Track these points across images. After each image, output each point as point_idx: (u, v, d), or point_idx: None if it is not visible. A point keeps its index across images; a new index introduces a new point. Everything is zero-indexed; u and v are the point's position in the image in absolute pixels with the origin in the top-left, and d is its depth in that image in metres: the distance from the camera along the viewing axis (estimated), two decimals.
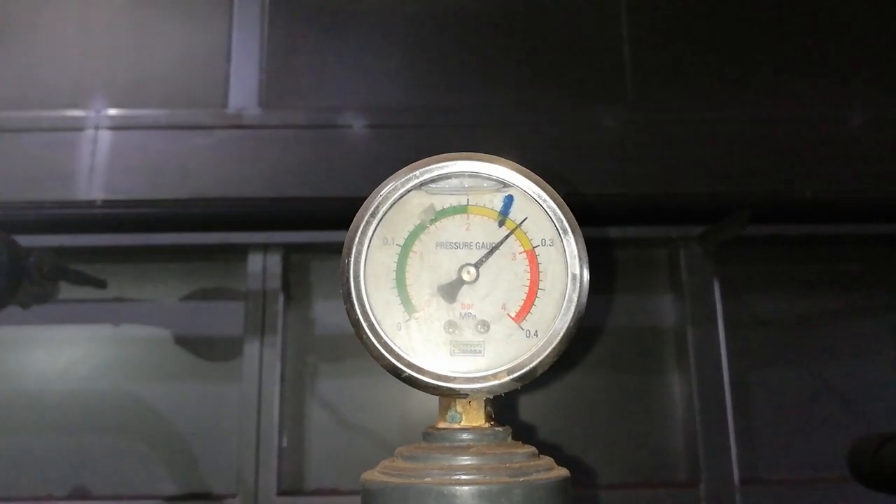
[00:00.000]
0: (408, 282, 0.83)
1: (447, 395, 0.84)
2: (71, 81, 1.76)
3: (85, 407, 1.68)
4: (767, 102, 1.78)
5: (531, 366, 0.81)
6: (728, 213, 1.63)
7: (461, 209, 0.85)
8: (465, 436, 0.83)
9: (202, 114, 1.72)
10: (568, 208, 0.84)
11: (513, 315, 0.83)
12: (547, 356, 0.81)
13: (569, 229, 0.83)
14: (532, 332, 0.82)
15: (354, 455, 1.65)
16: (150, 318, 1.73)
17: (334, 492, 1.64)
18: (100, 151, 1.68)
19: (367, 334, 0.82)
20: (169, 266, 1.75)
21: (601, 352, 1.72)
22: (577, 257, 0.82)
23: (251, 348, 1.65)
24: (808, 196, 1.67)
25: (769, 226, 1.71)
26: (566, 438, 1.67)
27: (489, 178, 0.85)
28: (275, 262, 1.69)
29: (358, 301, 0.82)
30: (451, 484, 0.76)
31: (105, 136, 1.69)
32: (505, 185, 0.85)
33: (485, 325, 0.82)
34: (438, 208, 0.85)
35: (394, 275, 0.83)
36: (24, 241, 1.50)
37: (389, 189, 0.84)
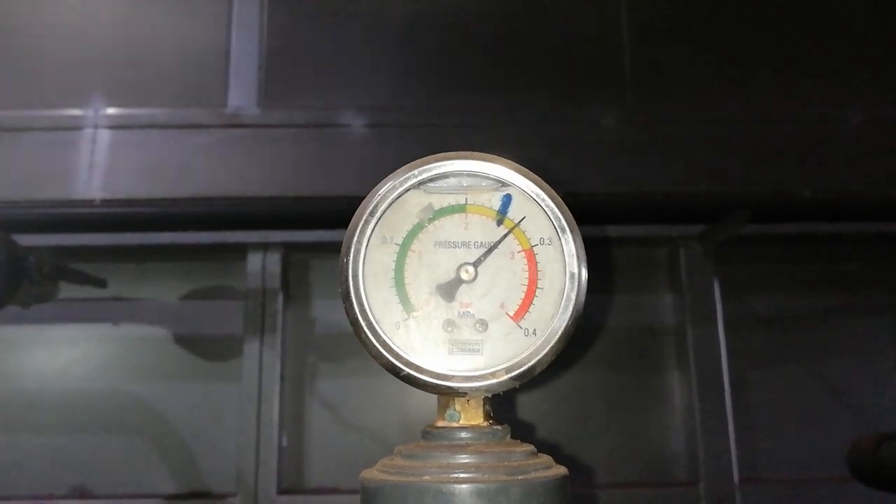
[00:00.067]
0: (406, 281, 0.83)
1: (446, 394, 0.84)
2: (69, 80, 1.76)
3: (85, 406, 1.68)
4: (767, 102, 1.78)
5: (529, 364, 0.81)
6: (728, 213, 1.63)
7: (459, 208, 0.85)
8: (463, 434, 0.83)
9: (201, 113, 1.72)
10: (566, 207, 0.84)
11: (511, 314, 0.83)
12: (545, 355, 0.81)
13: (567, 228, 0.83)
14: (530, 331, 0.82)
15: (354, 454, 1.65)
16: (150, 318, 1.73)
17: (334, 490, 1.64)
18: (99, 151, 1.68)
19: (365, 333, 0.82)
20: (168, 265, 1.76)
21: (601, 351, 1.72)
22: (575, 256, 0.82)
23: (251, 347, 1.65)
24: (808, 195, 1.67)
25: (769, 225, 1.71)
26: (566, 438, 1.67)
27: (487, 178, 0.85)
28: (274, 261, 1.69)
29: (357, 300, 0.82)
30: (449, 482, 0.76)
31: (104, 135, 1.69)
32: (503, 184, 0.85)
33: (483, 324, 0.83)
34: (437, 207, 0.85)
35: (392, 274, 0.84)
36: (24, 240, 1.50)
37: (388, 188, 0.84)
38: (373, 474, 0.81)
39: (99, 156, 1.68)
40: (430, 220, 0.84)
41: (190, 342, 1.71)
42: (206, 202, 1.66)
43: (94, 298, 1.69)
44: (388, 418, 1.67)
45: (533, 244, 0.84)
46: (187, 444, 1.66)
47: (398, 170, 0.85)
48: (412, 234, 0.84)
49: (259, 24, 1.78)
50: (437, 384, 0.81)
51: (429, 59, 1.80)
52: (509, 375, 0.81)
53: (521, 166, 0.85)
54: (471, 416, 0.84)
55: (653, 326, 1.75)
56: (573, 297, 0.82)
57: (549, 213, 0.84)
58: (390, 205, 0.84)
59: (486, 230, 0.84)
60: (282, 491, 1.59)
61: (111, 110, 1.73)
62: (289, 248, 1.71)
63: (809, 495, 1.64)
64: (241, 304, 1.69)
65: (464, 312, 0.83)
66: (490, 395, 0.85)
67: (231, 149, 1.71)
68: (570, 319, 0.82)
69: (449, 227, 0.84)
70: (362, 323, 0.82)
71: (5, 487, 1.62)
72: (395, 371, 0.82)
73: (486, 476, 0.77)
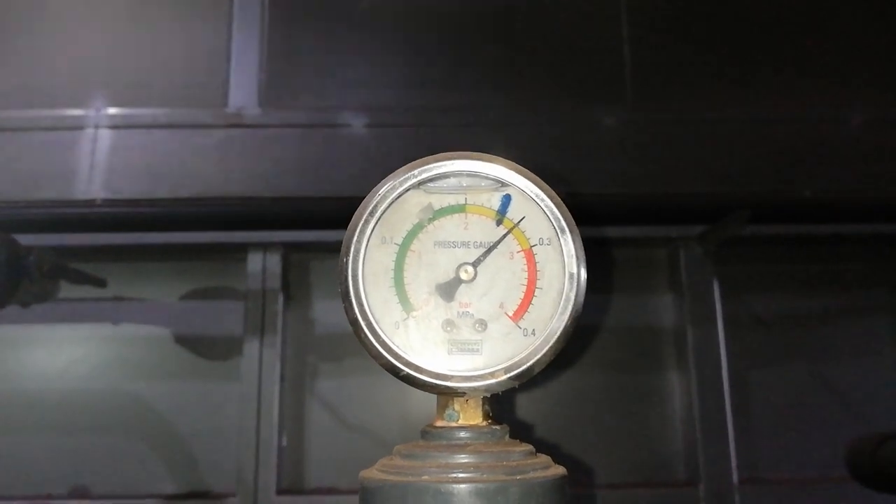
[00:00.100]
0: (406, 281, 0.84)
1: (445, 394, 0.84)
2: (71, 80, 1.76)
3: (84, 406, 1.68)
4: (767, 102, 1.78)
5: (528, 364, 0.81)
6: (728, 213, 1.63)
7: (459, 208, 0.85)
8: (462, 434, 0.83)
9: (202, 113, 1.72)
10: (566, 207, 0.84)
11: (510, 314, 0.83)
12: (544, 355, 0.81)
13: (566, 228, 0.83)
14: (529, 331, 0.82)
15: (354, 454, 1.65)
16: (150, 318, 1.73)
17: (334, 491, 1.64)
18: (100, 150, 1.68)
19: (365, 333, 0.82)
20: (168, 265, 1.76)
21: (601, 351, 1.72)
22: (574, 256, 0.83)
23: (251, 348, 1.65)
24: (808, 196, 1.67)
25: (769, 226, 1.71)
26: (566, 438, 1.67)
27: (487, 178, 0.85)
28: (274, 261, 1.69)
29: (356, 300, 0.83)
30: (448, 482, 0.76)
31: (105, 135, 1.69)
32: (503, 184, 0.85)
33: (482, 324, 0.83)
34: (436, 207, 0.85)
35: (392, 274, 0.84)
36: (24, 239, 1.50)
37: (388, 188, 0.84)
38: (372, 474, 0.81)
39: (100, 156, 1.68)
40: (430, 220, 0.85)
41: (190, 342, 1.71)
42: (207, 202, 1.66)
43: (94, 298, 1.69)
44: (387, 418, 1.67)
45: (532, 244, 0.84)
46: (187, 444, 1.66)
47: (398, 170, 0.85)
48: (412, 234, 0.84)
49: (260, 23, 1.78)
50: (436, 384, 0.82)
51: (429, 59, 1.80)
52: (508, 375, 0.81)
53: (520, 166, 0.86)
54: (470, 415, 0.84)
55: (652, 327, 1.75)
56: (572, 298, 0.82)
57: (548, 213, 0.84)
58: (390, 205, 0.84)
59: (486, 230, 0.84)
60: (281, 491, 1.59)
61: (112, 110, 1.73)
62: (289, 249, 1.71)
63: (809, 496, 1.64)
64: (241, 304, 1.69)
65: (463, 312, 0.83)
66: (489, 395, 0.85)
67: (232, 149, 1.71)
68: (569, 319, 0.82)
69: (448, 227, 0.85)
70: (362, 323, 0.82)
71: (4, 487, 1.62)
72: (394, 371, 0.82)
73: (484, 476, 0.77)
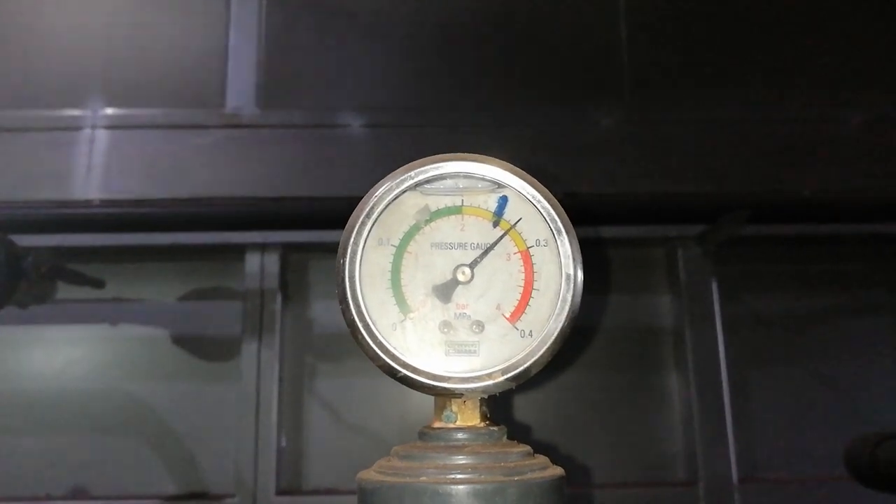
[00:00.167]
0: (403, 282, 0.84)
1: (442, 395, 0.84)
2: (68, 81, 1.76)
3: (83, 407, 1.68)
4: (766, 102, 1.78)
5: (525, 366, 0.81)
6: (726, 213, 1.63)
7: (456, 210, 0.85)
8: (460, 435, 0.83)
9: (199, 113, 1.72)
10: (562, 209, 0.84)
11: (507, 315, 0.83)
12: (541, 356, 0.81)
13: (563, 230, 0.83)
14: (526, 333, 0.83)
15: (353, 455, 1.65)
16: (148, 318, 1.73)
17: (333, 491, 1.64)
18: (97, 151, 1.68)
19: (362, 334, 0.82)
20: (166, 266, 1.75)
21: (599, 351, 1.72)
22: (571, 258, 0.83)
23: (249, 348, 1.65)
24: (807, 195, 1.67)
25: (768, 225, 1.71)
26: (565, 439, 1.67)
27: (483, 179, 0.85)
28: (272, 261, 1.69)
29: (353, 301, 0.83)
30: (446, 483, 0.76)
31: (102, 135, 1.69)
32: (499, 185, 0.85)
33: (479, 326, 0.83)
34: (433, 209, 0.85)
35: (389, 275, 0.84)
36: (22, 240, 1.50)
37: (384, 190, 0.84)
38: (370, 475, 0.81)
39: (97, 156, 1.68)
40: (427, 221, 0.85)
41: (188, 343, 1.71)
42: (205, 202, 1.66)
43: (92, 299, 1.69)
44: (387, 419, 1.67)
45: (529, 246, 0.84)
46: (185, 445, 1.66)
47: (394, 171, 0.85)
48: (409, 236, 0.84)
49: (257, 23, 1.78)
50: (433, 385, 0.82)
51: (427, 59, 1.80)
52: (505, 377, 0.81)
53: (516, 168, 0.86)
54: (467, 417, 0.84)
55: (651, 327, 1.75)
56: (569, 299, 0.82)
57: (544, 214, 0.84)
58: (387, 206, 0.84)
59: (483, 232, 0.84)
60: (280, 491, 1.59)
61: (109, 110, 1.73)
62: (287, 249, 1.71)
63: (808, 495, 1.64)
64: (239, 304, 1.69)
65: (460, 314, 0.83)
66: (486, 397, 0.85)
67: (229, 149, 1.70)
68: (565, 321, 0.82)
69: (445, 229, 0.84)
70: (359, 324, 0.82)
71: (3, 488, 1.62)
72: (391, 372, 0.82)
73: (482, 477, 0.77)
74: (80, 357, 1.71)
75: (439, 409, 0.85)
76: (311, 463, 1.66)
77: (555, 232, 0.83)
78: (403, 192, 0.85)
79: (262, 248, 1.69)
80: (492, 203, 0.85)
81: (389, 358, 0.81)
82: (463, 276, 0.83)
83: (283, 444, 1.63)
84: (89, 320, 1.72)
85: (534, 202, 0.84)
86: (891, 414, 1.69)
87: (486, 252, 0.84)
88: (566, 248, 0.83)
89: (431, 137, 1.72)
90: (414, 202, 0.85)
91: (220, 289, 1.74)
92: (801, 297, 1.78)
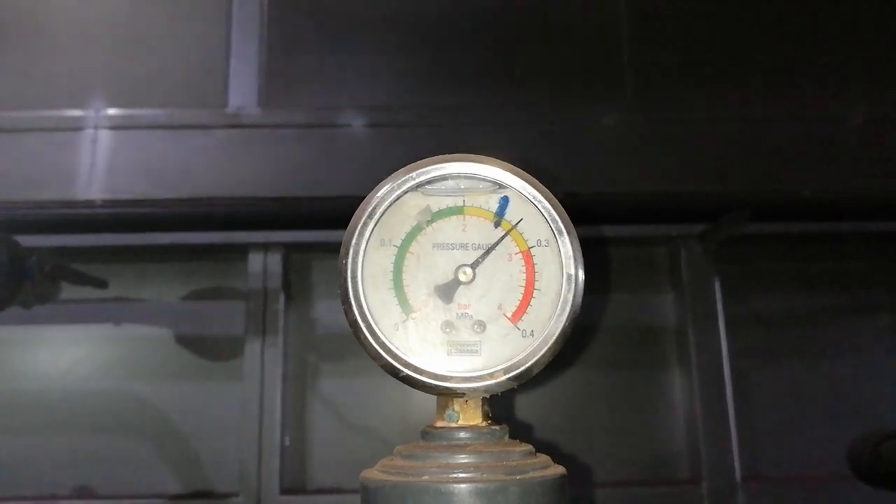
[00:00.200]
0: (405, 282, 0.84)
1: (444, 395, 0.85)
2: (70, 81, 1.76)
3: (87, 406, 1.68)
4: (767, 101, 1.78)
5: (527, 365, 0.82)
6: (728, 212, 1.63)
7: (457, 210, 0.85)
8: (462, 434, 0.84)
9: (202, 113, 1.72)
10: (563, 209, 0.85)
11: (509, 315, 0.83)
12: (543, 356, 0.82)
13: (563, 230, 0.84)
14: (528, 332, 0.83)
15: (356, 454, 1.65)
16: (152, 318, 1.73)
17: (336, 490, 1.64)
18: (100, 151, 1.68)
19: (364, 335, 0.83)
20: (169, 266, 1.76)
21: (602, 350, 1.72)
22: (571, 258, 0.83)
23: (252, 348, 1.66)
24: (809, 194, 1.67)
25: (770, 224, 1.71)
26: (569, 437, 1.68)
27: (485, 180, 0.86)
28: (275, 261, 1.70)
29: (356, 302, 0.83)
30: (448, 482, 0.77)
31: (105, 135, 1.69)
32: (500, 186, 0.85)
33: (481, 325, 0.83)
34: (435, 209, 0.85)
35: (391, 276, 0.84)
36: (25, 241, 1.51)
37: (386, 191, 0.85)
38: (373, 474, 0.82)
39: (100, 156, 1.68)
40: (428, 222, 0.85)
41: (191, 342, 1.71)
42: (207, 202, 1.66)
43: (95, 299, 1.70)
44: (390, 418, 1.67)
45: (530, 246, 0.85)
46: (189, 445, 1.66)
47: (396, 172, 0.86)
48: (410, 236, 0.85)
49: (259, 23, 1.78)
50: (435, 385, 0.82)
51: (429, 59, 1.80)
52: (507, 376, 0.82)
53: (517, 168, 0.86)
54: (469, 416, 0.85)
55: (654, 326, 1.75)
56: (570, 299, 0.82)
57: (545, 214, 0.84)
58: (388, 207, 0.85)
59: (484, 232, 0.85)
60: (284, 491, 1.60)
61: (112, 111, 1.73)
62: (290, 249, 1.72)
63: (811, 493, 1.64)
64: (242, 304, 1.69)
65: (462, 314, 0.83)
66: (488, 396, 0.85)
67: (232, 149, 1.71)
68: (567, 321, 0.82)
69: (447, 229, 0.85)
70: (361, 324, 0.83)
71: (8, 487, 1.63)
72: (393, 372, 0.82)
73: (484, 476, 0.78)
74: (83, 357, 1.72)
75: (441, 408, 0.86)
76: (315, 462, 1.67)
77: (556, 232, 0.84)
78: (405, 192, 0.85)
79: (265, 247, 1.70)
80: (493, 204, 0.85)
81: (392, 358, 0.82)
82: (464, 276, 0.84)
83: (287, 443, 1.63)
84: (93, 320, 1.73)
85: (535, 203, 0.85)
86: (893, 412, 1.69)
87: (487, 252, 0.84)
88: (567, 248, 0.83)
89: (433, 137, 1.72)
90: (416, 203, 0.85)
91: (224, 288, 1.75)
92: (803, 295, 1.78)
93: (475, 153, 0.87)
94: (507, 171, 0.85)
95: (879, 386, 1.72)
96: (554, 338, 0.82)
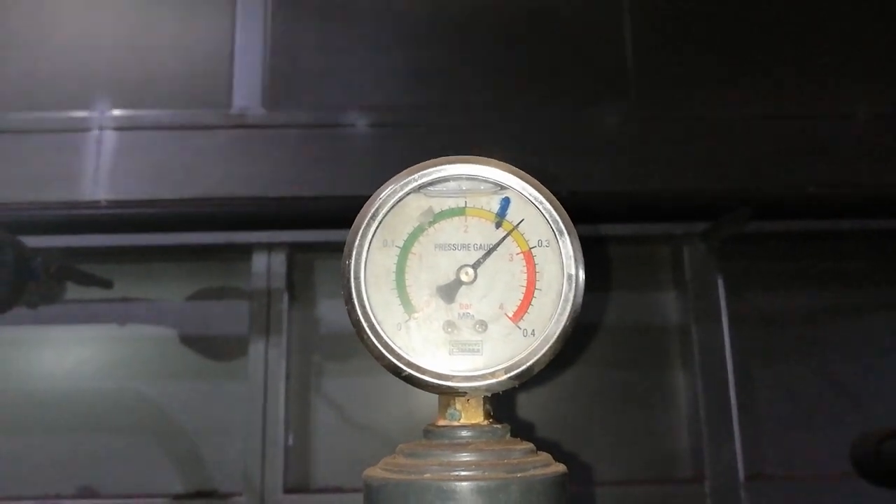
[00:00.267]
0: (407, 283, 0.85)
1: (446, 394, 0.85)
2: (75, 83, 1.77)
3: (92, 406, 1.69)
4: (770, 99, 1.78)
5: (528, 364, 0.82)
6: (731, 210, 1.63)
7: (459, 211, 0.86)
8: (464, 433, 0.84)
9: (206, 114, 1.73)
10: (563, 210, 0.85)
11: (510, 315, 0.84)
12: (544, 355, 0.82)
13: (564, 230, 0.84)
14: (529, 332, 0.84)
15: (360, 453, 1.65)
16: (156, 318, 1.74)
17: (340, 490, 1.65)
18: (105, 152, 1.69)
19: (367, 334, 0.83)
20: (174, 266, 1.76)
21: (606, 349, 1.72)
22: (572, 258, 0.84)
23: (256, 347, 1.66)
24: (812, 192, 1.67)
25: (773, 222, 1.71)
26: (572, 436, 1.68)
27: (486, 181, 0.86)
28: (279, 261, 1.70)
29: (358, 302, 0.84)
30: (450, 480, 0.78)
31: (110, 136, 1.70)
32: (501, 187, 0.86)
33: (483, 325, 0.84)
34: (437, 210, 0.86)
35: (393, 276, 0.85)
36: (31, 241, 1.51)
37: (389, 192, 0.85)
38: (375, 472, 0.82)
39: (105, 157, 1.69)
40: (431, 223, 0.86)
41: (196, 342, 1.72)
42: (212, 203, 1.66)
43: (100, 299, 1.70)
44: (393, 418, 1.68)
45: (531, 246, 0.85)
46: (193, 444, 1.67)
47: (398, 174, 0.86)
48: (413, 237, 0.85)
49: (263, 24, 1.78)
50: (437, 384, 0.83)
51: (432, 59, 1.80)
52: (508, 375, 0.82)
53: (518, 170, 0.87)
54: (471, 415, 0.85)
55: (657, 324, 1.75)
56: (571, 298, 0.83)
57: (546, 215, 0.85)
58: (391, 208, 0.85)
59: (485, 233, 0.85)
60: (288, 490, 1.60)
61: (117, 112, 1.73)
62: (294, 249, 1.72)
63: (814, 492, 1.64)
64: (246, 303, 1.70)
65: (464, 314, 0.84)
66: (490, 395, 0.86)
67: (236, 149, 1.71)
68: (567, 320, 0.83)
69: (449, 230, 0.86)
70: (364, 324, 0.83)
71: (13, 487, 1.63)
72: (396, 371, 0.83)
73: (486, 474, 0.78)
74: (88, 357, 1.73)
75: (443, 407, 0.86)
76: (318, 461, 1.67)
77: (556, 233, 0.84)
78: (407, 194, 0.86)
79: (269, 247, 1.70)
80: (494, 204, 0.86)
81: (394, 357, 0.83)
82: (466, 276, 0.84)
83: (291, 442, 1.64)
84: (98, 320, 1.74)
85: (536, 203, 0.85)
86: (895, 411, 1.69)
87: (488, 253, 0.85)
88: (568, 248, 0.84)
89: (435, 137, 1.72)
90: (418, 204, 0.86)
91: (228, 288, 1.75)
92: (806, 293, 1.78)
93: (478, 153, 0.88)
94: (508, 172, 0.86)
95: (882, 384, 1.72)
96: (555, 337, 0.82)
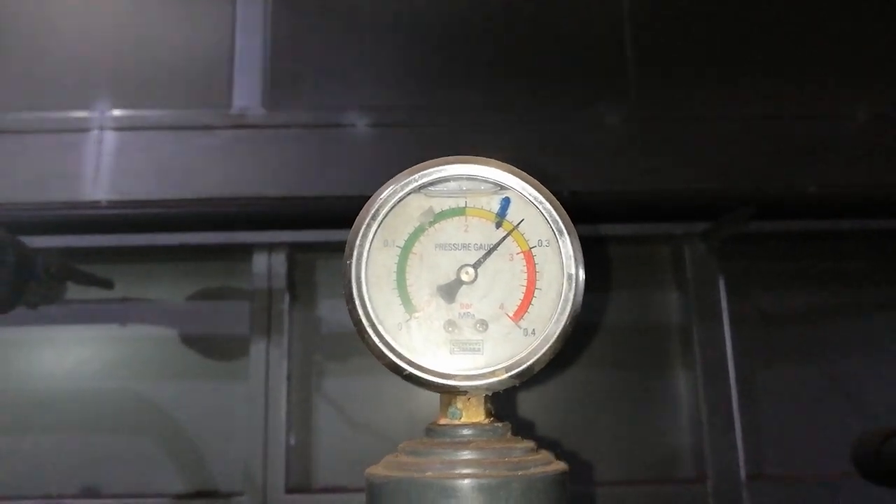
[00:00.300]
0: (408, 282, 0.85)
1: (447, 392, 0.86)
2: (75, 83, 1.77)
3: (93, 406, 1.69)
4: (769, 99, 1.78)
5: (529, 363, 0.83)
6: (731, 210, 1.63)
7: (459, 211, 0.86)
8: (465, 431, 0.85)
9: (206, 114, 1.73)
10: (563, 210, 0.86)
11: (511, 314, 0.84)
12: (544, 354, 0.83)
13: (564, 230, 0.85)
14: (530, 331, 0.84)
15: (361, 453, 1.64)
16: (157, 318, 1.74)
17: (341, 489, 1.65)
18: (105, 152, 1.69)
19: (368, 334, 0.84)
20: (175, 266, 1.77)
21: (607, 349, 1.72)
22: (572, 257, 0.84)
23: (257, 347, 1.66)
24: (813, 192, 1.67)
25: (773, 222, 1.71)
26: (573, 436, 1.68)
27: (486, 181, 0.87)
28: (280, 261, 1.70)
29: (360, 302, 0.84)
30: (452, 478, 0.78)
31: (110, 136, 1.70)
32: (501, 187, 0.86)
33: (483, 324, 0.84)
34: (437, 210, 0.86)
35: (394, 276, 0.85)
36: (31, 241, 1.51)
37: (389, 192, 0.86)
38: (377, 470, 0.83)
39: (105, 157, 1.69)
40: (431, 223, 0.86)
41: (197, 342, 1.72)
42: (212, 203, 1.67)
43: (101, 299, 1.71)
44: (394, 417, 1.68)
45: (531, 246, 0.86)
46: (195, 444, 1.67)
47: (399, 174, 0.87)
48: (413, 237, 0.86)
49: (263, 24, 1.78)
50: (438, 383, 0.83)
51: (432, 59, 1.80)
52: (509, 374, 0.83)
53: (519, 170, 0.87)
54: (472, 413, 0.86)
55: (658, 324, 1.75)
56: (571, 298, 0.83)
57: (546, 215, 0.85)
58: (392, 208, 0.86)
59: (486, 232, 0.86)
60: (289, 490, 1.60)
61: (117, 112, 1.74)
62: (294, 249, 1.72)
63: (816, 492, 1.64)
64: (247, 303, 1.70)
65: (464, 313, 0.84)
66: (490, 394, 0.86)
67: (236, 149, 1.71)
68: (567, 319, 0.83)
69: (449, 230, 0.86)
70: (365, 324, 0.84)
71: (16, 487, 1.63)
72: (397, 370, 0.83)
73: (487, 472, 0.79)
74: (89, 357, 1.73)
75: (445, 406, 0.87)
76: (320, 461, 1.68)
77: (556, 232, 0.85)
78: (408, 194, 0.86)
79: (270, 247, 1.70)
80: (494, 204, 0.86)
81: (396, 356, 0.83)
82: (467, 276, 0.85)
83: (292, 442, 1.64)
84: (98, 320, 1.74)
85: (535, 203, 0.86)
86: None
87: (489, 252, 0.85)
88: (568, 248, 0.84)
89: (436, 136, 1.72)
90: (418, 204, 0.86)
91: (228, 288, 1.75)
92: (807, 293, 1.78)
93: (479, 153, 0.88)
94: (508, 172, 0.86)
95: (883, 384, 1.72)
96: (555, 336, 0.83)
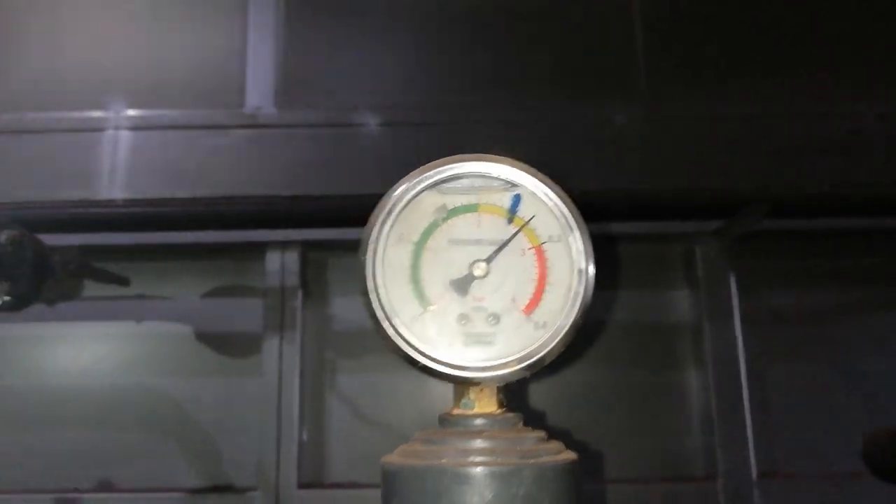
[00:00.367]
0: (422, 277, 0.87)
1: (461, 383, 0.88)
2: (91, 84, 1.78)
3: (109, 402, 1.71)
4: (785, 97, 1.77)
5: (540, 355, 0.84)
6: (744, 208, 1.63)
7: (472, 208, 0.88)
8: (477, 421, 0.87)
9: (219, 114, 1.73)
10: (574, 206, 0.87)
11: (522, 308, 0.86)
12: (555, 346, 0.85)
13: (574, 226, 0.86)
14: (541, 324, 0.86)
15: (373, 448, 1.64)
16: (172, 315, 1.76)
17: (353, 485, 1.66)
18: (120, 151, 1.70)
19: (384, 327, 0.86)
20: (189, 264, 1.78)
21: (617, 347, 1.73)
22: (582, 253, 0.86)
23: (271, 344, 1.68)
24: (826, 190, 1.66)
25: (785, 220, 1.71)
26: (584, 434, 1.68)
27: (498, 178, 0.88)
28: (293, 259, 1.72)
29: (375, 296, 0.86)
30: (465, 465, 0.80)
31: (125, 136, 1.71)
32: (513, 184, 0.88)
33: (496, 318, 0.86)
34: (450, 207, 0.88)
35: (409, 271, 0.87)
36: (48, 239, 1.53)
37: (403, 189, 0.87)
38: (393, 459, 0.85)
39: (120, 157, 1.70)
40: (444, 219, 0.88)
41: (211, 339, 1.73)
42: (226, 201, 1.67)
43: (117, 296, 1.72)
44: (406, 413, 1.69)
45: (542, 241, 0.87)
46: (209, 439, 1.69)
47: (412, 172, 0.88)
48: (427, 233, 0.88)
49: (275, 24, 1.79)
50: (452, 374, 0.85)
51: (443, 57, 1.81)
52: (521, 366, 0.84)
53: (530, 167, 0.88)
54: (484, 404, 0.88)
55: (669, 322, 1.76)
56: (581, 292, 0.85)
57: (556, 211, 0.87)
58: (406, 205, 0.88)
59: (498, 228, 0.88)
60: (302, 485, 1.62)
61: (132, 112, 1.75)
62: (307, 247, 1.74)
63: (828, 490, 1.64)
64: (260, 301, 1.71)
65: (477, 306, 0.86)
66: (503, 384, 0.88)
67: (249, 149, 1.72)
68: (578, 313, 0.85)
69: (462, 226, 0.88)
70: (381, 317, 0.86)
71: (33, 481, 1.65)
72: (412, 362, 0.86)
73: (499, 459, 0.81)
74: (105, 353, 1.74)
75: (458, 396, 0.89)
76: (332, 457, 1.69)
77: (567, 228, 0.86)
78: (422, 191, 0.88)
79: (283, 245, 1.72)
80: (506, 201, 0.88)
81: (410, 349, 0.85)
82: (479, 270, 0.86)
83: (305, 438, 1.65)
84: (115, 317, 1.76)
85: (546, 200, 0.87)
86: None
87: (501, 248, 0.87)
88: (578, 243, 0.86)
89: (447, 135, 1.72)
90: (432, 201, 0.88)
91: (242, 286, 1.77)
92: (819, 291, 1.77)
93: (490, 151, 0.89)
94: (519, 169, 0.88)
95: (895, 382, 1.71)
96: (566, 329, 0.85)
